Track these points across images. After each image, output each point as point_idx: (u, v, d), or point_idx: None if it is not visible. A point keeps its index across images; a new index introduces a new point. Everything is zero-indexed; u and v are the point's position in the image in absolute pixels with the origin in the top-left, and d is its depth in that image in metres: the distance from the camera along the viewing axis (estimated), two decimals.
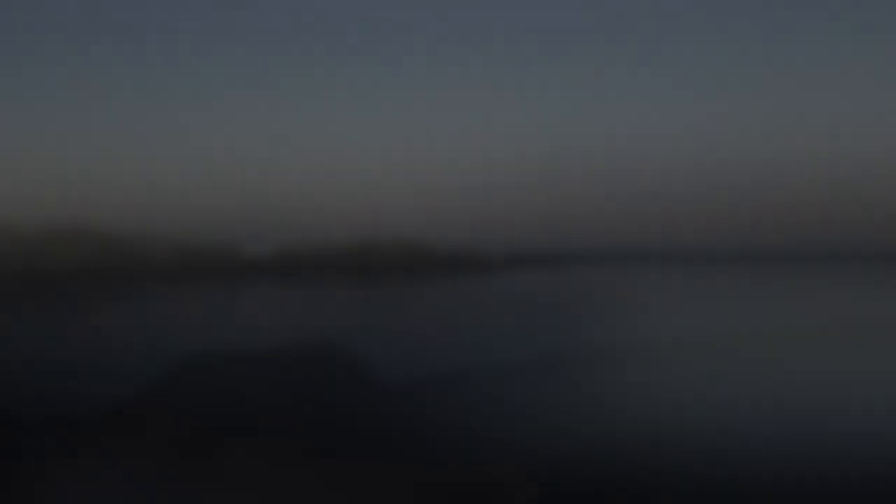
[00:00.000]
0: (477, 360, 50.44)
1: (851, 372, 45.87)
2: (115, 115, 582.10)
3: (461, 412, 33.37)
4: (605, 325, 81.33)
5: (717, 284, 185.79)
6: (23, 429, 32.13)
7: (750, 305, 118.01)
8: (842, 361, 47.69)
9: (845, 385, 42.94)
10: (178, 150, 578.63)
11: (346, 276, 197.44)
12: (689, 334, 62.93)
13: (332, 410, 32.21)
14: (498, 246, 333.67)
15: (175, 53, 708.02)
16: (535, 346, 59.59)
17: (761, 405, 38.76)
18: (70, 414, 33.65)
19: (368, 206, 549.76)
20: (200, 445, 27.76)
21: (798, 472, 29.00)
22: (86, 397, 37.85)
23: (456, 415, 32.83)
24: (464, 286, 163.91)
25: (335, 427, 28.88)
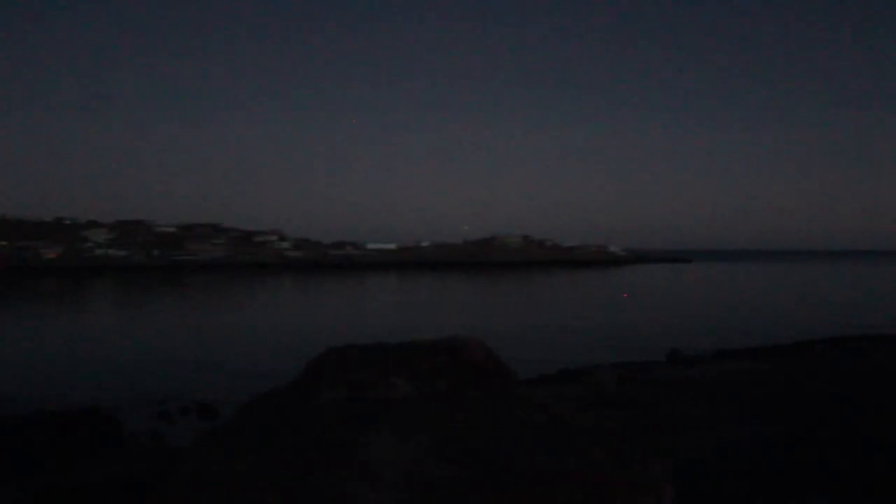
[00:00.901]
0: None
1: None
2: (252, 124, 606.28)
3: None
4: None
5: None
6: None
7: None
8: None
9: None
10: (308, 156, 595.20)
11: (474, 271, 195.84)
12: None
13: (473, 406, 21.79)
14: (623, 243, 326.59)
15: (316, 63, 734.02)
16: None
17: None
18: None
19: (492, 202, 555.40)
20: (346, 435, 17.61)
21: None
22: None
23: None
24: (596, 279, 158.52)
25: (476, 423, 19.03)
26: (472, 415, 5.89)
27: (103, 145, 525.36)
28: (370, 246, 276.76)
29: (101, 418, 28.01)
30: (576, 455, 6.03)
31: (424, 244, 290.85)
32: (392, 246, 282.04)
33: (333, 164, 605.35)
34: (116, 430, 26.53)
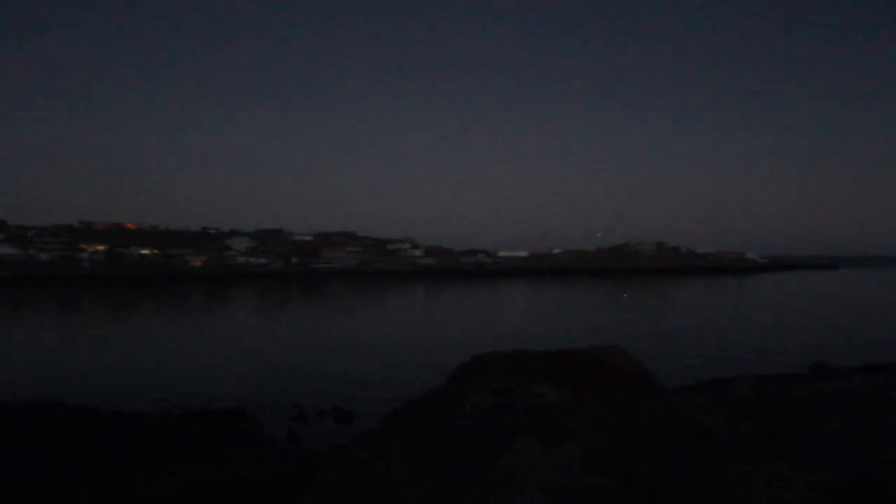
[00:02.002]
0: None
1: None
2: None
3: None
4: None
5: None
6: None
7: None
8: None
9: None
10: (440, 165, 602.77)
11: (607, 279, 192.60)
12: None
13: (620, 415, 21.07)
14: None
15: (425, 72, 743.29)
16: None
17: None
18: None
19: (626, 209, 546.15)
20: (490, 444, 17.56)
21: None
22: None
23: None
24: (733, 287, 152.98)
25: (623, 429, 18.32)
26: (619, 424, 5.73)
27: (244, 160, 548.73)
28: (502, 253, 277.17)
29: (245, 418, 29.16)
30: (723, 468, 5.77)
31: (556, 251, 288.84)
32: (523, 253, 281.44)
33: (464, 174, 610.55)
34: (258, 430, 27.51)
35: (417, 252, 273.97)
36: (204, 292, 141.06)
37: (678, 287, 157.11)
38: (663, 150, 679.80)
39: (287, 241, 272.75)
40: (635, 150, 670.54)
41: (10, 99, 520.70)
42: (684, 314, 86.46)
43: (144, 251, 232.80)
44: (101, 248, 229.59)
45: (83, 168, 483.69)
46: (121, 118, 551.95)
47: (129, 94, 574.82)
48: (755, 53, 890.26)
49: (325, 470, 5.90)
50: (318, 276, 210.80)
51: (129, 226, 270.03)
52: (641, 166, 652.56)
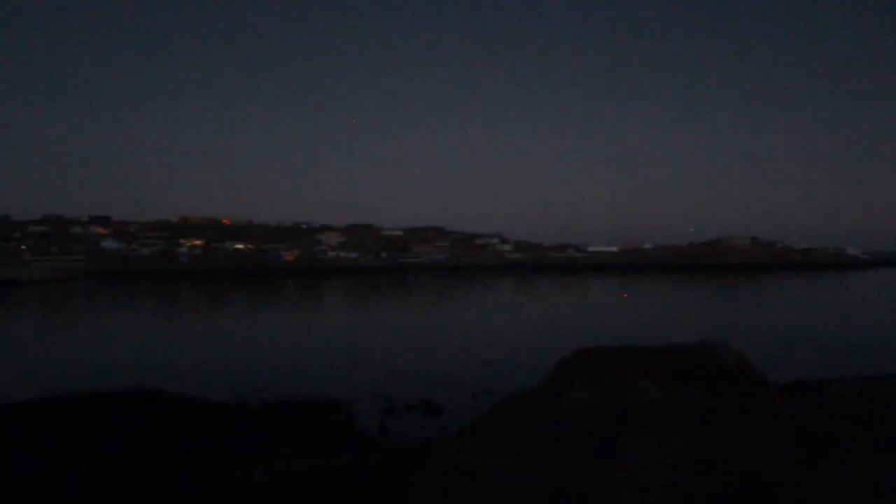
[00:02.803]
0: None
1: None
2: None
3: None
4: None
5: None
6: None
7: None
8: None
9: None
10: (528, 160, 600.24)
11: (699, 275, 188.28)
12: None
13: (730, 413, 20.47)
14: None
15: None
16: None
17: None
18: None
19: (719, 204, 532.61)
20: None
21: None
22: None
23: None
24: (833, 284, 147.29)
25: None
26: (729, 422, 5.48)
27: (335, 156, 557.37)
28: (591, 248, 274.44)
29: (336, 409, 29.52)
30: (835, 470, 5.45)
31: (647, 246, 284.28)
32: (614, 248, 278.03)
33: (553, 169, 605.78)
34: (350, 421, 27.80)
35: (506, 247, 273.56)
36: (296, 286, 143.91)
37: (774, 284, 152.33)
38: (756, 143, 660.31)
39: (377, 235, 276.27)
40: (727, 143, 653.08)
41: (120, 102, 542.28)
42: (781, 311, 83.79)
43: (239, 246, 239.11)
44: (198, 242, 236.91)
45: (182, 166, 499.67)
46: (218, 120, 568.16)
47: (225, 95, 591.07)
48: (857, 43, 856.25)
49: (429, 463, 5.82)
50: (408, 271, 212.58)
51: (224, 221, 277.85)
52: (733, 160, 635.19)
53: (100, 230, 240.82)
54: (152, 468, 19.28)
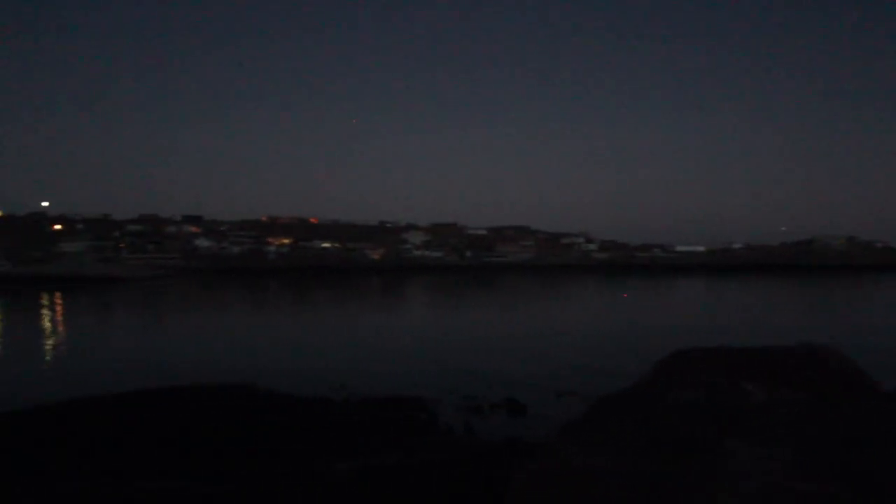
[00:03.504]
0: None
1: None
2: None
3: None
4: None
5: None
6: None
7: None
8: None
9: None
10: (618, 157, 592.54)
11: (792, 276, 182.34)
12: None
13: (836, 418, 19.58)
14: None
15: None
16: None
17: None
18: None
19: (813, 201, 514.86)
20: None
21: None
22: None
23: None
24: None
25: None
26: (839, 428, 5.18)
27: (420, 155, 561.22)
28: (679, 248, 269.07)
29: (420, 407, 29.66)
30: None
31: (736, 246, 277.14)
32: (701, 248, 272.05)
33: (639, 168, 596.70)
34: (433, 419, 27.88)
35: (592, 246, 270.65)
36: (381, 284, 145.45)
37: (875, 285, 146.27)
38: (851, 139, 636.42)
39: (461, 234, 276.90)
40: (820, 140, 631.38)
41: (210, 105, 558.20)
42: (884, 315, 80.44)
43: (326, 244, 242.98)
44: (286, 241, 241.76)
45: (271, 166, 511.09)
46: (307, 120, 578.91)
47: (316, 97, 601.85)
48: None
49: (529, 462, 5.71)
50: (492, 270, 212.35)
51: (312, 220, 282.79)
52: (825, 157, 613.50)
53: (192, 229, 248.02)
54: (242, 460, 19.67)
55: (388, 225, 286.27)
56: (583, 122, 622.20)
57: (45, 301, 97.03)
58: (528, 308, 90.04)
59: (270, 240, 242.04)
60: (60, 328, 64.99)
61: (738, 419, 5.33)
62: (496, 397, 32.14)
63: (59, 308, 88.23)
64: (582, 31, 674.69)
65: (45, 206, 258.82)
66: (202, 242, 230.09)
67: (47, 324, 68.30)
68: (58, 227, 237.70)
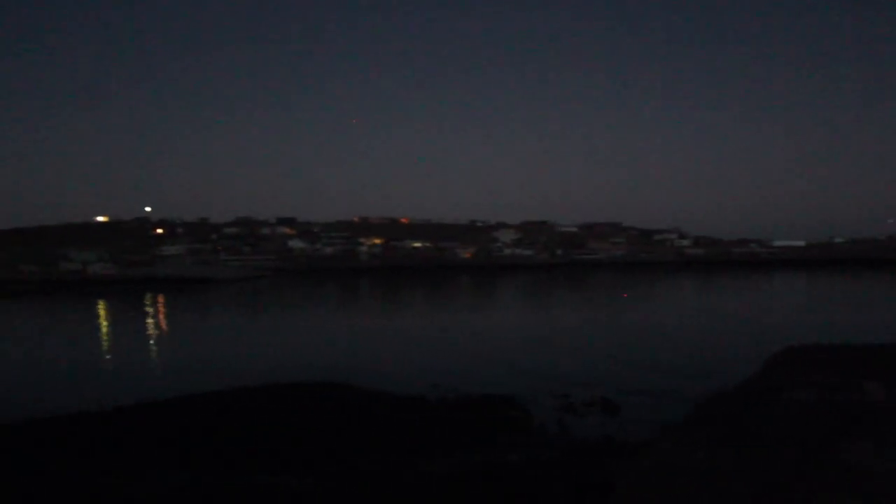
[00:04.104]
0: None
1: None
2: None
3: None
4: None
5: None
6: None
7: None
8: None
9: None
10: (706, 154, 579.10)
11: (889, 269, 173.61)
12: None
13: None
14: None
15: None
16: None
17: None
18: None
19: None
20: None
21: None
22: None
23: None
24: None
25: None
26: None
27: (509, 154, 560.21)
28: (777, 243, 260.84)
29: (513, 405, 29.54)
30: None
31: (838, 240, 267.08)
32: (801, 243, 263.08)
33: (732, 162, 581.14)
34: (527, 417, 27.71)
35: (685, 242, 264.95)
36: (471, 283, 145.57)
37: None
38: None
39: (552, 232, 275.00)
40: None
41: (301, 109, 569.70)
42: None
43: (416, 244, 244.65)
44: (377, 241, 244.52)
45: (361, 168, 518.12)
46: (394, 123, 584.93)
47: (405, 101, 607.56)
48: None
49: (637, 460, 5.59)
50: (583, 267, 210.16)
51: (403, 220, 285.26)
52: None
53: (286, 230, 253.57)
54: (338, 456, 19.93)
55: (479, 224, 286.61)
56: (675, 117, 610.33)
57: (148, 301, 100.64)
58: (620, 306, 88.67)
59: (362, 240, 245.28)
60: (163, 328, 67.31)
61: (859, 419, 5.09)
62: (589, 396, 31.76)
63: (161, 308, 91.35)
64: (671, 29, 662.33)
65: (147, 212, 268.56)
66: (296, 243, 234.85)
67: (151, 324, 70.85)
68: (159, 230, 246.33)
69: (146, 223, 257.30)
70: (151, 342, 56.50)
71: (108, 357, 49.80)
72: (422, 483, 14.96)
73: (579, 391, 32.94)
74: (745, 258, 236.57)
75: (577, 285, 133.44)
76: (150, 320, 74.74)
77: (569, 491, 11.57)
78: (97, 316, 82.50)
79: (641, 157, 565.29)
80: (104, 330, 66.76)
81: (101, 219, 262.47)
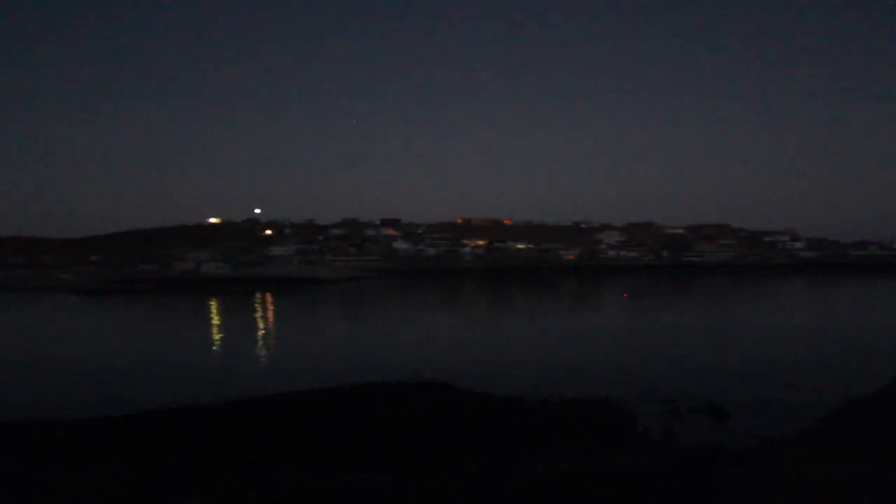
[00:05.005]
0: None
1: None
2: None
3: None
4: None
5: None
6: None
7: None
8: None
9: None
10: (821, 152, 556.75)
11: None
12: None
13: None
14: None
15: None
16: None
17: None
18: None
19: None
20: None
21: None
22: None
23: None
24: None
25: None
26: None
27: (613, 153, 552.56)
28: None
29: (617, 409, 29.01)
30: None
31: None
32: None
33: (852, 159, 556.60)
34: (632, 421, 27.16)
35: (798, 244, 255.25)
36: (575, 285, 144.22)
37: None
38: None
39: (657, 234, 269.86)
40: None
41: (402, 110, 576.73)
42: None
43: (520, 245, 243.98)
44: (480, 242, 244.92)
45: (465, 169, 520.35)
46: (495, 124, 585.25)
47: (506, 98, 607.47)
48: None
49: (758, 468, 5.34)
50: (690, 270, 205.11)
51: (506, 222, 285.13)
52: None
53: (391, 232, 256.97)
54: (433, 455, 19.97)
55: (583, 225, 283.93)
56: (786, 115, 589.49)
57: (258, 300, 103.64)
58: (730, 310, 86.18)
59: (465, 241, 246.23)
60: (272, 326, 69.20)
61: None
62: (696, 402, 30.93)
63: (270, 307, 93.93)
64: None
65: (257, 213, 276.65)
66: (400, 244, 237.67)
67: (261, 322, 72.99)
68: (268, 231, 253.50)
69: (256, 224, 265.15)
70: (259, 339, 58.24)
71: (217, 352, 51.63)
72: (521, 486, 14.79)
73: (685, 396, 32.13)
74: (864, 261, 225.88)
75: (683, 288, 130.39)
76: (258, 318, 77.06)
77: (678, 500, 11.21)
78: (210, 313, 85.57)
79: (750, 156, 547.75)
80: (216, 327, 69.17)
81: (213, 220, 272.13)
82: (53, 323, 76.52)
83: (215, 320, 76.65)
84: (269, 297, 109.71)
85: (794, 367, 40.35)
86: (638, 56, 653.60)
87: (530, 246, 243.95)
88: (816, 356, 44.21)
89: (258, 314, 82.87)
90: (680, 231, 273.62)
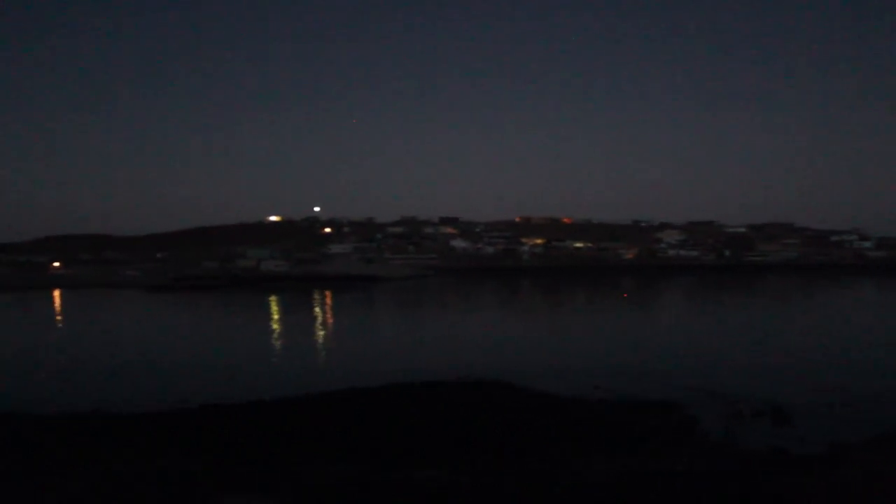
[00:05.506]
0: None
1: None
2: None
3: None
4: None
5: None
6: None
7: None
8: None
9: None
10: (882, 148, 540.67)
11: None
12: None
13: None
14: None
15: None
16: None
17: None
18: None
19: None
20: None
21: None
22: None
23: None
24: None
25: None
26: None
27: (667, 151, 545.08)
28: None
29: (675, 411, 28.75)
30: None
31: None
32: None
33: None
34: (690, 424, 26.87)
35: (866, 244, 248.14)
36: (634, 284, 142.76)
37: None
38: None
39: (719, 233, 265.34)
40: None
41: (457, 109, 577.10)
42: None
43: (578, 244, 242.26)
44: (539, 241, 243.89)
45: (522, 168, 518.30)
46: (553, 122, 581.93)
47: (558, 100, 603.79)
48: None
49: (826, 474, 5.30)
50: (752, 270, 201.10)
51: (564, 220, 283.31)
52: None
53: (449, 230, 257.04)
54: (491, 452, 20.04)
55: (642, 224, 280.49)
56: (852, 114, 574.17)
57: (317, 298, 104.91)
58: (793, 311, 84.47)
59: (524, 240, 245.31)
60: (331, 323, 70.07)
61: None
62: (758, 405, 30.46)
63: (329, 305, 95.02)
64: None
65: (316, 212, 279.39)
66: (458, 243, 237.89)
67: (320, 319, 73.95)
68: (327, 230, 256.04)
69: (315, 223, 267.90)
70: (318, 337, 59.06)
71: (278, 348, 52.48)
72: (579, 487, 14.78)
73: (747, 399, 31.65)
74: None
75: (746, 288, 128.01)
76: (317, 315, 78.07)
77: None
78: (271, 310, 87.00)
79: (815, 154, 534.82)
80: (276, 323, 70.31)
81: (273, 218, 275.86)
82: (140, 319, 78.02)
83: (275, 317, 77.90)
84: (328, 295, 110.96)
85: (862, 372, 39.46)
86: (711, 56, 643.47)
87: (589, 245, 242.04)
88: (888, 361, 43.17)
89: (316, 311, 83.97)
90: (742, 230, 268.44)
